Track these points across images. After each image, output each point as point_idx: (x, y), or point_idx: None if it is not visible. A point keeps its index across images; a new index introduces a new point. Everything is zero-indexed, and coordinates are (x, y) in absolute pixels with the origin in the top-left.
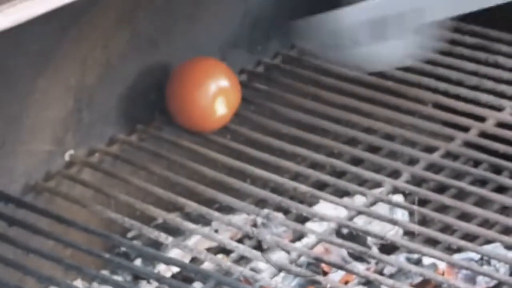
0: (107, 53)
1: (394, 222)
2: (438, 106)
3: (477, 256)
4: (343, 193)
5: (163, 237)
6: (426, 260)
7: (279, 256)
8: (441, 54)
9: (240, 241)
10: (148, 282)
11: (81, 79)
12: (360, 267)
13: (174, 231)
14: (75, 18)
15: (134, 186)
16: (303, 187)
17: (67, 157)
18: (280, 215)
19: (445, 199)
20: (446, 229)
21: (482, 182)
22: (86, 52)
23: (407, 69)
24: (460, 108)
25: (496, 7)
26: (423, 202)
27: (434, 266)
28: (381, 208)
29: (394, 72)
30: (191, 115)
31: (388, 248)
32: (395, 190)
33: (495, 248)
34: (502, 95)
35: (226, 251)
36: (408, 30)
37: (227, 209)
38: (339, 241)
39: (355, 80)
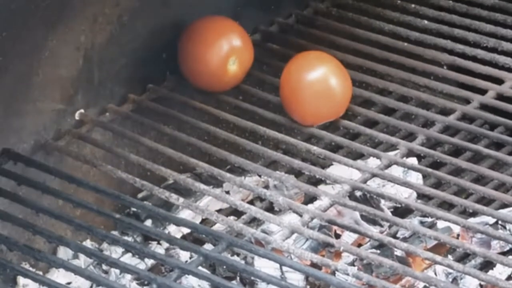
0: (118, 11)
1: (408, 185)
2: (455, 67)
3: (492, 220)
4: (357, 155)
5: (174, 197)
6: (441, 224)
7: (291, 218)
8: (458, 15)
9: (251, 202)
10: (159, 243)
11: (91, 37)
12: (373, 230)
13: (185, 192)
14: None
15: (144, 146)
16: (316, 149)
17: (77, 116)
18: (292, 177)
19: (461, 162)
20: (461, 192)
21: (498, 145)
22: (96, 10)
23: (423, 30)
24: (477, 70)
25: None
26: (438, 165)
27: (448, 230)
28: (396, 171)
29: (409, 33)
30: (203, 74)
31: (402, 211)
32: (410, 153)
33: (511, 212)
34: None
35: (238, 213)
36: None
37: (239, 171)
38: (353, 203)
39: (370, 41)
